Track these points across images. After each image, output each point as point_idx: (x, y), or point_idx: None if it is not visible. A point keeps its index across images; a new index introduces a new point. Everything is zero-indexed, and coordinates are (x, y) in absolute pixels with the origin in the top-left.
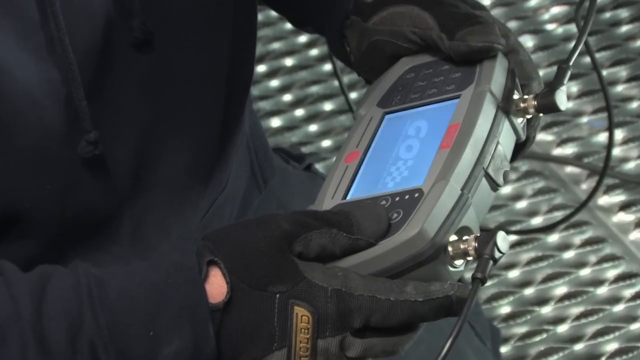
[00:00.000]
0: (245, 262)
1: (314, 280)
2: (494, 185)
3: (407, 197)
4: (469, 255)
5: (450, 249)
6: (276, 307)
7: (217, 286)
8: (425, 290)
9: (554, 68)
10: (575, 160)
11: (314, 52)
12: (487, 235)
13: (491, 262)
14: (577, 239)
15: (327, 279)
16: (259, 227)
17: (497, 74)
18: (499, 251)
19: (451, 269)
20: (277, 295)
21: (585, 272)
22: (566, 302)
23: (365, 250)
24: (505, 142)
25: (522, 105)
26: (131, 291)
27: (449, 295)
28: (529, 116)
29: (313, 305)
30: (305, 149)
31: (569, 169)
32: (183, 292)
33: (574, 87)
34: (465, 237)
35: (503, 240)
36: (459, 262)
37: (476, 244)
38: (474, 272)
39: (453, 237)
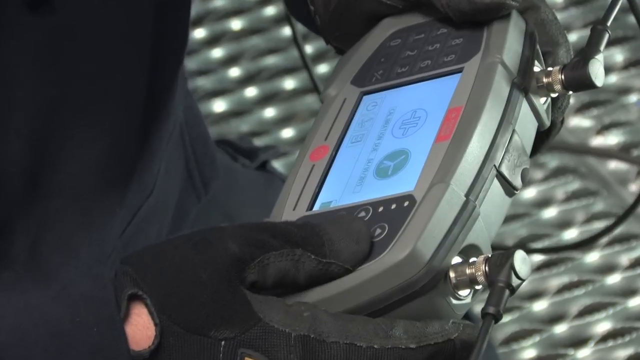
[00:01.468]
0: (180, 296)
1: (272, 324)
2: (510, 189)
3: (393, 206)
4: (478, 284)
5: (452, 275)
6: (221, 358)
7: (141, 328)
8: (420, 333)
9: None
10: (622, 152)
11: (270, 11)
12: (501, 257)
13: (507, 292)
14: (625, 259)
15: (289, 321)
16: (198, 248)
17: (512, 40)
18: (518, 277)
19: (454, 301)
20: (223, 343)
21: (635, 303)
22: (610, 343)
23: (340, 278)
24: (524, 130)
25: (545, 80)
26: (27, 332)
27: (451, 339)
28: (554, 95)
29: (270, 357)
30: (258, 141)
31: (613, 165)
32: (96, 335)
33: (619, 56)
34: (472, 260)
35: (522, 262)
36: (464, 293)
37: (487, 268)
38: (485, 306)
39: (456, 260)
